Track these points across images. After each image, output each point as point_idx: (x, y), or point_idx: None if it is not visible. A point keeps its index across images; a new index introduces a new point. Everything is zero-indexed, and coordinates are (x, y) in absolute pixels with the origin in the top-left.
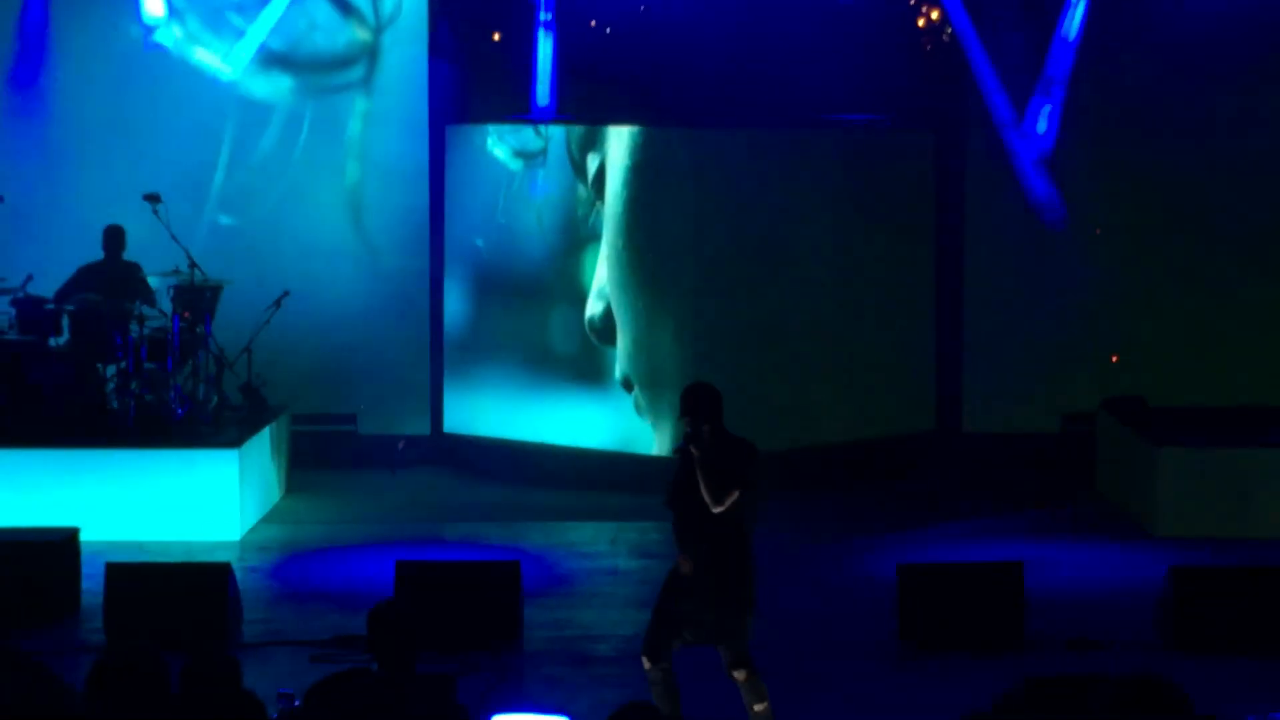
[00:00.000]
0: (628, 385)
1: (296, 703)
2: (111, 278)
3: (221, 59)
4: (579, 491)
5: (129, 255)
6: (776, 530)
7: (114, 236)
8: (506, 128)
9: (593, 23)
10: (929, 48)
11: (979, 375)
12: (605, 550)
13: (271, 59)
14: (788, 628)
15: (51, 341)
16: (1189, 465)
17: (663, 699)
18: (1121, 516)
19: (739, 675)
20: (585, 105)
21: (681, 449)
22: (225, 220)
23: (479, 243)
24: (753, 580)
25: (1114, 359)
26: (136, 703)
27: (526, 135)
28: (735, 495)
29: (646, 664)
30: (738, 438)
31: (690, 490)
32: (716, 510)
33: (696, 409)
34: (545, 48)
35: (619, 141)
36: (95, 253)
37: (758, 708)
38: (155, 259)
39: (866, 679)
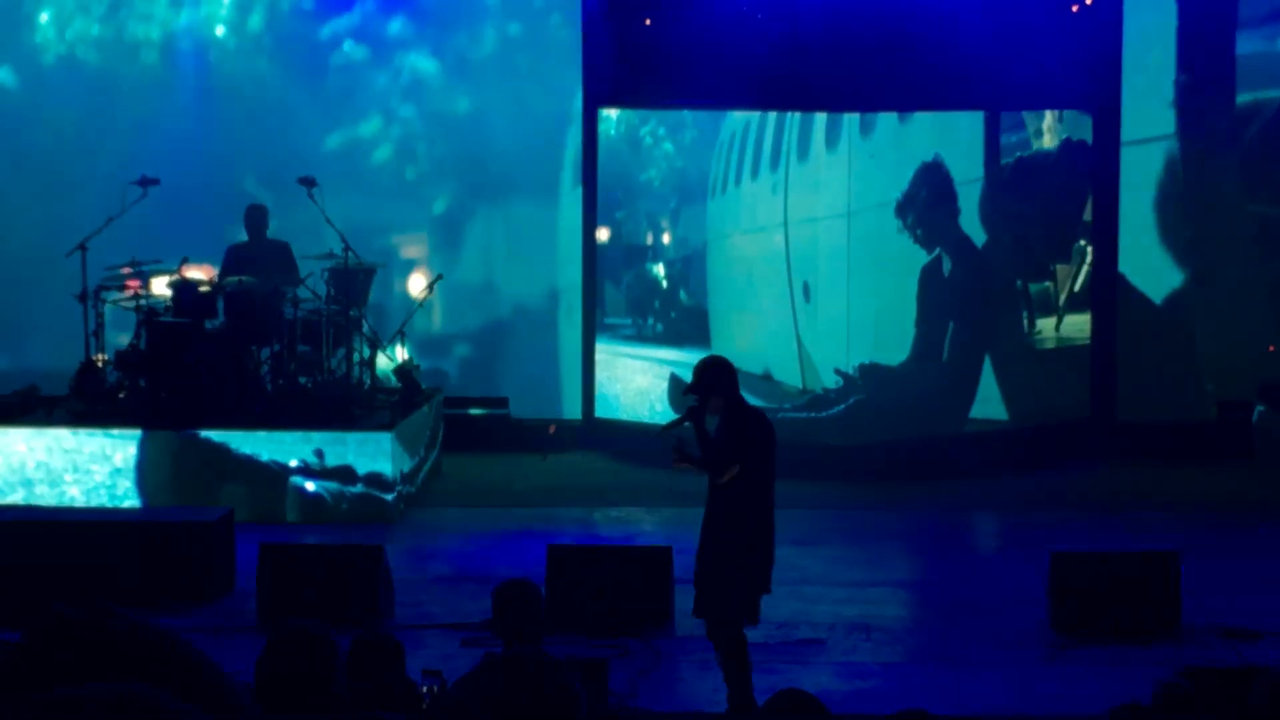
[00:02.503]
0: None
1: (434, 685)
2: (258, 257)
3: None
4: None
5: (282, 236)
6: (930, 516)
7: (256, 215)
8: (661, 115)
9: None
10: (1083, 27)
11: (1134, 363)
12: None
13: (431, 46)
14: (942, 614)
15: (207, 324)
16: None
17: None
18: None
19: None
20: (740, 90)
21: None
22: (389, 207)
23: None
24: (757, 559)
25: (1271, 349)
26: (308, 681)
27: (683, 122)
28: (734, 470)
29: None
30: (750, 410)
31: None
32: (719, 481)
33: (702, 384)
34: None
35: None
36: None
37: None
38: (309, 241)
39: (1020, 666)
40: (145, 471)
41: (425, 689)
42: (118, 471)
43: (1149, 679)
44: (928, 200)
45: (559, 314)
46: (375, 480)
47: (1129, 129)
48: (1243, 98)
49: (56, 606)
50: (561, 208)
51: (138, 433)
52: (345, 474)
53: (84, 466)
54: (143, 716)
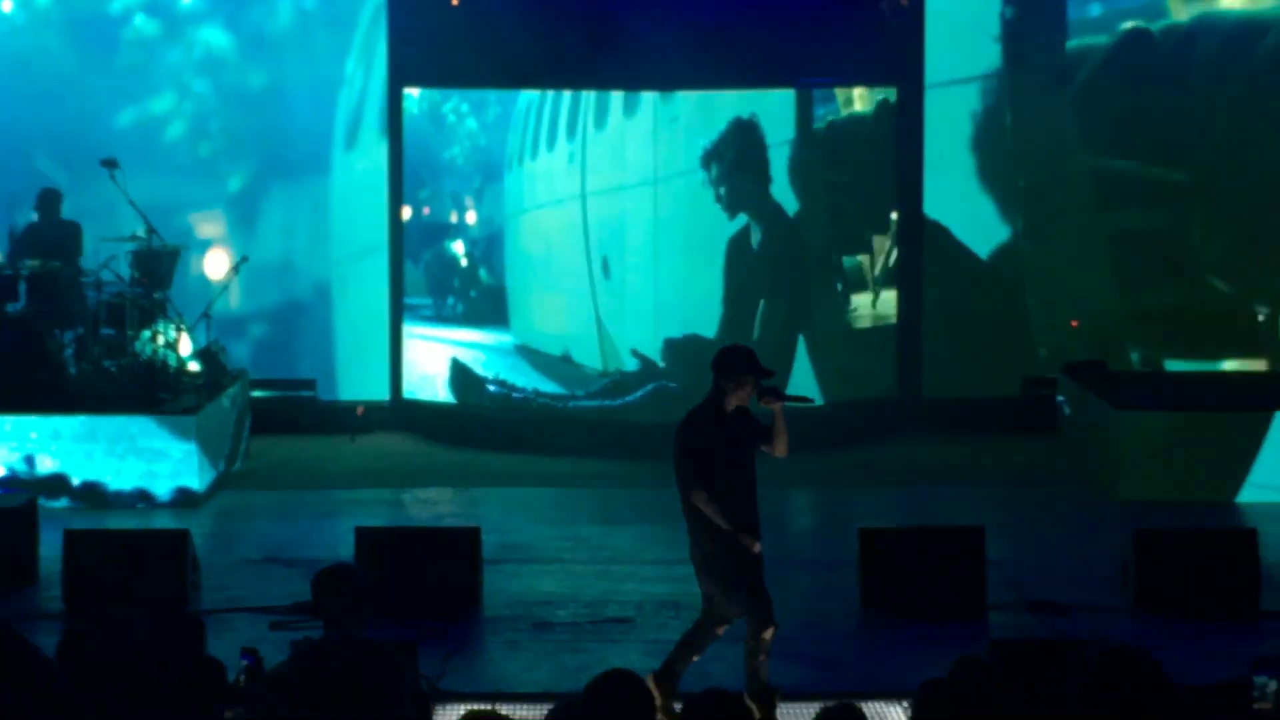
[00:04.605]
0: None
1: (250, 662)
2: (50, 239)
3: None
4: (540, 456)
5: (77, 217)
6: None
7: (49, 198)
8: (465, 93)
9: None
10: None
11: (940, 340)
12: (565, 516)
13: (224, 19)
14: None
15: (9, 307)
16: (1149, 429)
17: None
18: (1082, 480)
19: (720, 632)
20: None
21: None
22: (182, 185)
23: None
24: None
25: (1074, 324)
26: (110, 668)
27: (486, 99)
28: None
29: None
30: None
31: (740, 454)
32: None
33: (761, 366)
34: None
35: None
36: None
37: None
38: (104, 222)
39: (829, 644)
40: None
41: (244, 664)
42: None
43: (956, 654)
44: (735, 160)
45: (332, 289)
46: (180, 464)
47: (953, 67)
48: (1069, 45)
49: None
50: (334, 176)
51: None
52: (148, 458)
53: None
54: None
